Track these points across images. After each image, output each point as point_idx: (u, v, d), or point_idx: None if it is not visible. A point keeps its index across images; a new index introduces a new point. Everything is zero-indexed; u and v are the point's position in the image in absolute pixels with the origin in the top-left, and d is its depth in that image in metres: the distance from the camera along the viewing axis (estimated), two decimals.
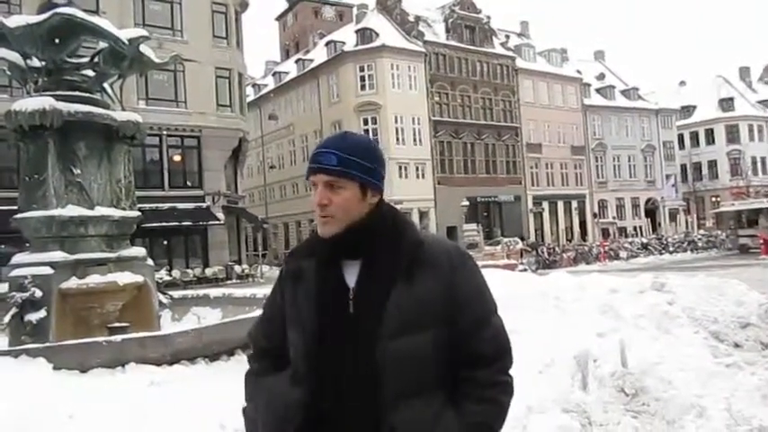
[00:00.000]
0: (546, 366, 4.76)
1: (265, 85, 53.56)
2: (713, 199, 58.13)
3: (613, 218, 52.33)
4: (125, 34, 7.93)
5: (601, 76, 58.71)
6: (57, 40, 7.41)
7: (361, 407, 1.48)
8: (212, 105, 30.26)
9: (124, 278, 7.21)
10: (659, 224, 53.17)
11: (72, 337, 6.30)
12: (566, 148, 51.12)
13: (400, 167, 40.31)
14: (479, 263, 1.74)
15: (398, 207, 1.75)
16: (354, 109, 41.07)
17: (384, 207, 1.63)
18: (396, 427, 1.45)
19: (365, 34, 42.68)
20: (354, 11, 52.16)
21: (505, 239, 36.80)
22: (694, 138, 64.62)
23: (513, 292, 6.56)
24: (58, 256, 6.96)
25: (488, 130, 45.84)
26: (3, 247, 18.39)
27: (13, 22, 7.40)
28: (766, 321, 6.16)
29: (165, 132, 28.70)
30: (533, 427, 3.87)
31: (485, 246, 32.83)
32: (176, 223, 27.73)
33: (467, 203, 38.21)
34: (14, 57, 7.74)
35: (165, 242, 28.52)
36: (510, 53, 48.76)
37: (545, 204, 49.21)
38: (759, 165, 62.33)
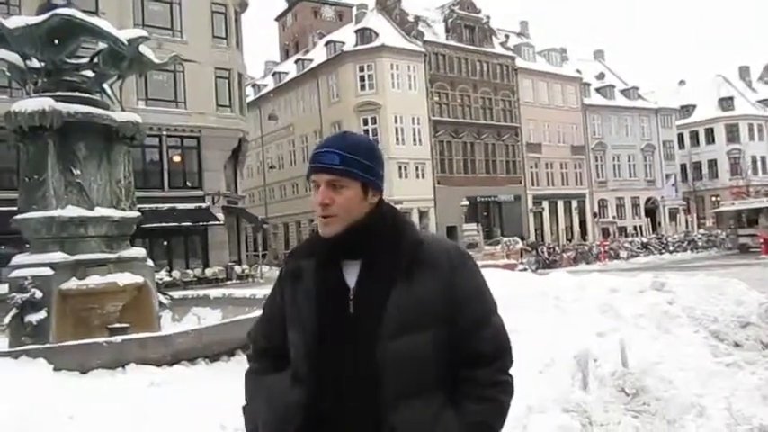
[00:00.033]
0: (546, 366, 4.76)
1: (265, 86, 53.57)
2: (713, 198, 58.15)
3: (613, 217, 52.34)
4: (124, 35, 7.93)
5: (600, 76, 58.71)
6: (56, 41, 7.41)
7: (361, 407, 1.48)
8: (212, 106, 30.26)
9: (124, 279, 7.21)
10: (659, 224, 53.21)
11: (72, 337, 6.30)
12: (565, 147, 51.12)
13: (400, 167, 40.33)
14: (479, 263, 1.74)
15: (398, 207, 1.75)
16: (354, 109, 41.08)
17: (384, 207, 1.63)
18: (396, 427, 1.45)
19: (365, 34, 42.69)
20: (354, 11, 52.17)
21: (505, 239, 36.79)
22: (694, 137, 64.64)
23: (513, 291, 6.56)
24: (57, 256, 6.96)
25: (488, 129, 45.85)
26: (3, 248, 18.38)
27: (13, 22, 7.41)
28: (766, 321, 6.16)
29: (164, 133, 28.70)
30: (533, 427, 3.87)
31: (484, 245, 32.82)
32: (176, 224, 27.72)
33: (466, 203, 38.21)
34: (14, 58, 7.74)
35: (165, 243, 28.52)
36: (510, 53, 48.77)
37: (545, 204, 49.21)
38: (759, 164, 62.35)
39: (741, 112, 63.34)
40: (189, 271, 28.24)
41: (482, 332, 1.56)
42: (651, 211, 55.01)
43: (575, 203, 51.33)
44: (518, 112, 48.22)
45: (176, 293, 10.12)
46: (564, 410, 4.18)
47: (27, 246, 7.50)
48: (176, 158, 30.02)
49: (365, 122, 40.72)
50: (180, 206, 28.32)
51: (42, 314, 6.61)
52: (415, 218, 37.77)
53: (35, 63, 7.74)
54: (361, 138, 1.68)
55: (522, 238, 39.66)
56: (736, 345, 5.74)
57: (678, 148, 60.68)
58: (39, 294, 6.62)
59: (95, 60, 8.07)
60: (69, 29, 7.40)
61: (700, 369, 4.85)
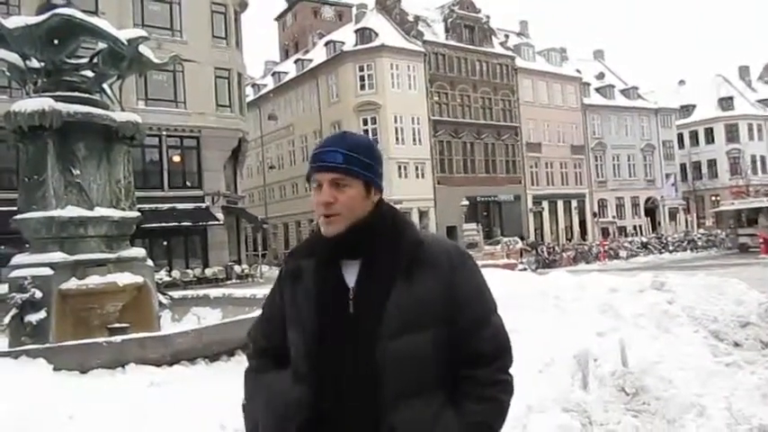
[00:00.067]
0: (546, 366, 4.76)
1: (265, 86, 53.56)
2: (713, 198, 58.17)
3: (613, 217, 52.33)
4: (124, 35, 7.92)
5: (600, 76, 58.71)
6: (56, 41, 7.41)
7: (361, 407, 1.48)
8: (212, 106, 30.26)
9: (124, 279, 7.21)
10: (659, 223, 53.22)
11: (72, 337, 6.30)
12: (565, 147, 51.12)
13: (400, 167, 40.32)
14: (479, 262, 1.74)
15: (398, 207, 1.75)
16: (354, 109, 41.07)
17: (384, 207, 1.63)
18: (395, 426, 1.45)
19: (364, 34, 42.68)
20: (354, 11, 52.15)
21: (505, 239, 36.78)
22: (694, 137, 64.65)
23: (513, 291, 6.56)
24: (57, 256, 6.95)
25: (488, 129, 45.84)
26: (2, 248, 18.37)
27: (12, 22, 7.40)
28: (766, 320, 6.16)
29: (164, 133, 28.69)
30: (533, 427, 3.87)
31: (484, 245, 32.82)
32: (176, 224, 27.71)
33: (466, 203, 38.20)
34: (14, 58, 7.74)
35: (165, 242, 28.52)
36: (509, 53, 48.76)
37: (545, 204, 49.21)
38: (759, 164, 62.39)
39: (741, 112, 63.36)
40: (189, 271, 28.24)
41: (482, 332, 1.56)
42: (651, 211, 55.03)
43: (574, 203, 51.33)
44: (518, 112, 48.22)
45: (176, 293, 10.11)
46: (564, 410, 4.18)
47: (27, 246, 7.49)
48: (176, 158, 30.01)
49: (365, 122, 40.71)
50: (180, 206, 28.31)
51: (42, 314, 6.61)
52: (414, 218, 37.76)
53: (35, 63, 7.73)
54: (361, 137, 1.68)
55: (522, 238, 39.66)
56: (736, 344, 5.74)
57: (678, 148, 60.69)
58: (38, 294, 6.61)
59: (95, 60, 8.07)
60: (69, 29, 7.39)
61: (699, 369, 4.85)
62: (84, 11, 8.05)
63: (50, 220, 7.03)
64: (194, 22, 29.70)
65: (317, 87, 45.06)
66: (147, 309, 7.58)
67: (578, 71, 54.47)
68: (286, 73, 51.47)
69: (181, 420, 3.73)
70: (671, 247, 33.79)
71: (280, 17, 66.38)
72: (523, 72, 49.07)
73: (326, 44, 46.20)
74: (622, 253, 31.56)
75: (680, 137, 62.06)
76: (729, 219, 32.99)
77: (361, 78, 41.45)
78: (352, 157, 1.56)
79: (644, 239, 35.63)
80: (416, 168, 41.59)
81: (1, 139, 12.39)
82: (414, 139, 41.82)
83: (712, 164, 63.31)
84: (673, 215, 52.58)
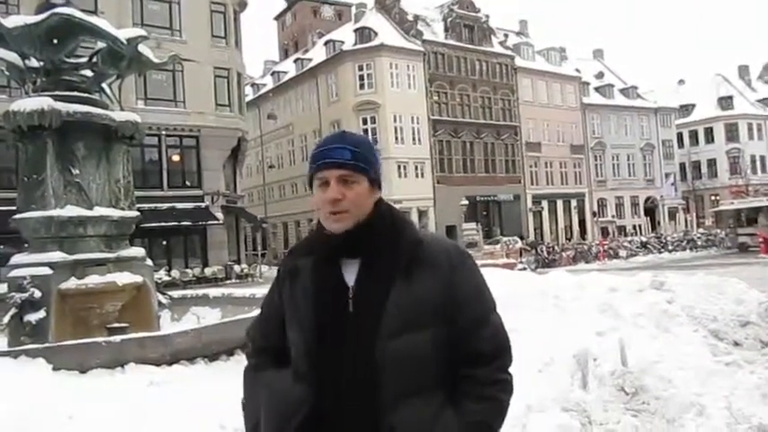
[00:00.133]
0: (545, 365, 4.76)
1: (264, 85, 53.55)
2: (712, 197, 58.18)
3: (612, 217, 52.33)
4: (123, 34, 7.92)
5: (600, 75, 58.70)
6: (55, 41, 7.40)
7: (360, 406, 1.47)
8: (211, 105, 30.24)
9: (123, 278, 7.20)
10: (658, 223, 53.25)
11: (71, 337, 6.29)
12: (565, 146, 51.12)
13: (399, 167, 40.32)
14: (478, 262, 1.74)
15: (397, 206, 1.75)
16: (353, 108, 41.06)
17: (383, 206, 1.63)
18: (395, 426, 1.45)
19: (364, 33, 42.66)
20: (353, 10, 52.14)
21: (505, 238, 36.78)
22: (693, 136, 64.67)
23: (513, 291, 6.57)
24: (56, 256, 6.95)
25: (487, 129, 45.84)
26: (2, 247, 18.36)
27: (12, 22, 7.39)
28: (766, 320, 6.16)
29: (163, 132, 28.68)
30: (533, 426, 3.87)
31: (484, 245, 32.85)
32: (175, 223, 27.69)
33: (466, 202, 38.20)
34: (13, 57, 7.73)
35: (165, 242, 28.51)
36: (509, 52, 48.75)
37: (544, 203, 49.22)
38: (758, 163, 62.43)
39: (740, 112, 63.38)
40: (188, 270, 28.22)
41: (481, 331, 1.56)
42: (650, 211, 55.05)
43: (574, 203, 51.33)
44: (517, 112, 48.22)
45: (175, 293, 10.11)
46: (563, 409, 4.18)
47: (26, 245, 7.49)
48: (175, 158, 29.99)
49: (364, 122, 40.71)
50: (179, 205, 28.30)
51: (41, 314, 6.61)
52: (414, 217, 37.75)
53: (34, 62, 7.73)
54: (360, 136, 1.69)
55: (522, 238, 39.67)
56: (736, 344, 5.74)
57: (677, 148, 60.70)
58: (38, 294, 6.61)
59: (94, 60, 8.06)
60: (68, 28, 7.38)
61: (699, 368, 4.85)
62: (83, 10, 8.04)
63: (50, 219, 7.03)
64: (194, 22, 29.69)
65: (317, 87, 45.05)
66: (146, 308, 7.58)
67: (578, 71, 54.47)
68: (285, 72, 51.46)
69: (180, 420, 3.73)
70: (670, 247, 33.80)
71: (279, 16, 66.37)
72: (523, 71, 49.07)
73: (326, 43, 46.18)
74: (622, 252, 31.56)
75: (679, 136, 62.07)
76: (729, 218, 32.99)
77: (361, 78, 41.44)
78: (359, 154, 1.56)
79: (643, 239, 35.64)
80: (416, 168, 41.58)
81: (0, 139, 12.36)
82: (413, 139, 41.81)
83: (712, 163, 63.34)
84: (672, 215, 52.63)
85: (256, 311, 1.78)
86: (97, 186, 7.57)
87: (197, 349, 5.70)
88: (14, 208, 7.35)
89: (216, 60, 30.35)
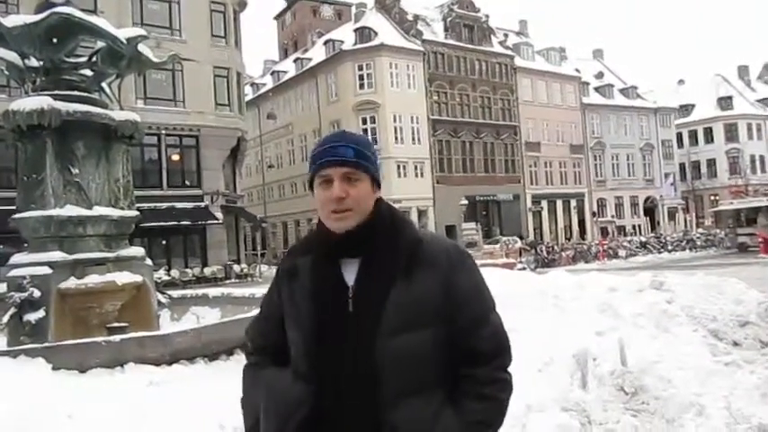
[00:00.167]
0: (545, 365, 4.76)
1: (264, 85, 53.54)
2: (712, 197, 58.19)
3: (612, 216, 52.34)
4: (123, 33, 7.90)
5: (599, 75, 58.72)
6: (54, 40, 7.39)
7: (360, 406, 1.48)
8: (211, 105, 30.23)
9: (123, 278, 7.19)
10: (658, 223, 53.28)
11: (71, 337, 6.28)
12: (564, 146, 51.13)
13: (399, 166, 40.33)
14: (478, 262, 1.74)
15: (397, 206, 1.75)
16: (353, 108, 41.05)
17: (382, 205, 1.63)
18: (396, 425, 1.45)
19: (364, 33, 42.66)
20: (353, 10, 52.15)
21: (504, 238, 36.80)
22: (693, 136, 64.69)
23: (513, 290, 6.57)
24: (56, 255, 6.94)
25: (487, 128, 45.85)
26: (1, 246, 18.35)
27: (11, 21, 7.38)
28: (765, 320, 6.17)
29: (163, 132, 28.67)
30: (533, 426, 3.87)
31: (483, 244, 32.85)
32: (175, 223, 27.69)
33: (465, 202, 38.20)
34: (12, 56, 7.72)
35: (164, 242, 28.50)
36: (509, 52, 48.76)
37: (544, 203, 49.23)
38: (758, 163, 62.46)
39: (740, 112, 63.41)
40: (188, 270, 28.22)
41: (481, 331, 1.56)
42: (650, 211, 55.07)
43: (573, 202, 51.34)
44: (517, 111, 48.22)
45: (175, 292, 10.09)
46: (563, 409, 4.18)
47: (25, 245, 7.48)
48: (175, 157, 29.99)
49: (364, 121, 40.70)
50: (179, 205, 28.30)
51: (41, 313, 6.60)
52: (413, 217, 37.73)
53: (33, 62, 7.71)
54: (360, 135, 1.70)
55: (521, 237, 39.67)
56: (735, 344, 5.75)
57: (677, 148, 60.72)
58: (37, 293, 6.60)
59: (94, 59, 8.05)
60: (68, 27, 7.37)
61: (699, 368, 4.85)
62: (82, 9, 8.02)
63: (49, 219, 7.02)
64: (193, 21, 29.68)
65: (317, 86, 45.05)
66: (145, 308, 7.57)
67: (577, 70, 54.48)
68: (285, 72, 51.46)
69: (180, 420, 3.72)
70: (670, 247, 33.81)
71: (279, 16, 66.37)
72: (522, 71, 49.07)
73: (326, 43, 46.18)
74: (621, 252, 31.58)
75: (679, 136, 62.09)
76: (728, 218, 32.99)
77: (361, 77, 41.44)
78: (361, 152, 1.57)
79: (643, 239, 35.66)
80: (415, 168, 41.58)
81: (0, 138, 12.35)
82: (413, 139, 41.81)
83: (711, 163, 63.37)
84: (672, 215, 52.67)
85: (256, 311, 1.78)
86: (97, 186, 7.56)
87: (196, 349, 5.69)
88: (14, 207, 7.35)
89: (215, 60, 30.35)
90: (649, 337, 5.51)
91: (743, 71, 69.52)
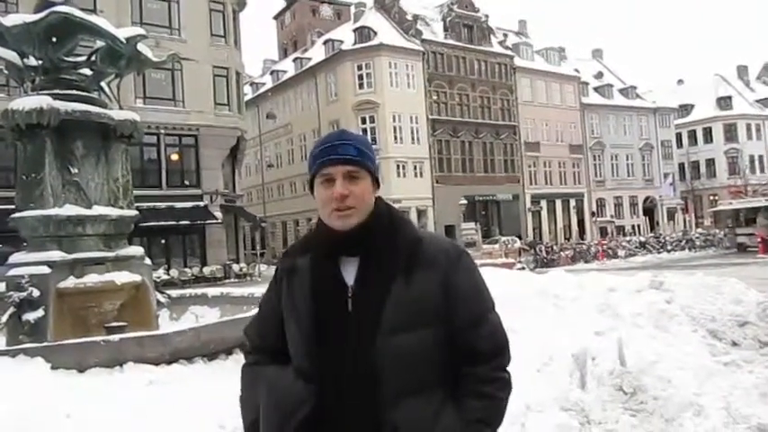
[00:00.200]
0: (544, 365, 4.76)
1: (263, 84, 53.52)
2: (711, 197, 58.22)
3: (611, 216, 52.33)
4: (122, 33, 7.90)
5: (599, 75, 58.71)
6: (54, 39, 7.38)
7: (361, 405, 1.48)
8: (210, 104, 30.21)
9: (122, 277, 7.19)
10: (657, 223, 53.25)
11: (70, 336, 6.28)
12: (564, 146, 51.13)
13: (398, 166, 40.32)
14: (477, 261, 1.74)
15: (396, 206, 1.75)
16: (352, 108, 41.04)
17: (381, 204, 1.64)
18: (397, 424, 1.45)
19: (363, 33, 42.64)
20: (352, 9, 52.10)
21: (503, 238, 36.84)
22: (692, 136, 64.71)
23: (512, 290, 6.56)
24: (55, 255, 6.93)
25: (486, 128, 45.84)
26: (0, 246, 18.34)
27: (10, 20, 7.37)
28: (764, 320, 6.17)
29: (162, 131, 28.65)
30: (532, 426, 3.87)
31: (483, 244, 32.86)
32: (174, 222, 27.67)
33: (465, 202, 38.21)
34: (11, 55, 7.71)
35: (163, 241, 28.47)
36: (508, 52, 48.75)
37: (543, 203, 49.24)
38: (757, 163, 62.47)
39: (739, 112, 63.44)
40: (187, 269, 28.20)
41: (480, 330, 1.56)
42: (649, 211, 55.07)
43: (573, 202, 51.33)
44: (516, 111, 48.22)
45: (174, 292, 10.08)
46: (562, 409, 4.18)
47: (24, 244, 7.48)
48: (174, 157, 29.96)
49: (363, 121, 40.69)
50: (178, 205, 28.28)
51: (40, 313, 6.59)
52: (413, 217, 37.74)
53: (33, 61, 7.71)
54: (359, 134, 1.70)
55: (520, 237, 39.67)
56: (734, 344, 5.75)
57: (676, 148, 60.74)
58: (36, 293, 6.59)
59: (93, 58, 8.04)
60: (67, 27, 7.37)
61: (698, 368, 4.85)
62: (82, 9, 8.01)
63: (48, 218, 7.02)
64: (193, 21, 29.66)
65: (316, 86, 45.03)
66: (145, 307, 7.56)
67: (577, 71, 54.47)
68: (284, 72, 51.44)
69: (179, 419, 3.72)
70: (669, 247, 33.81)
71: (278, 16, 66.35)
72: (522, 71, 49.06)
73: (325, 43, 46.16)
74: (621, 252, 31.58)
75: (678, 136, 62.11)
76: (727, 218, 32.99)
77: (360, 77, 41.42)
78: (363, 151, 1.57)
79: (642, 239, 35.65)
80: (415, 167, 41.57)
81: None
82: (412, 138, 41.80)
83: (710, 163, 63.39)
84: (671, 215, 52.63)
85: (255, 310, 1.78)
86: (96, 185, 7.56)
87: (196, 348, 5.69)
88: (13, 207, 7.34)
89: (215, 59, 30.32)
90: (648, 337, 5.51)
91: (742, 71, 69.55)
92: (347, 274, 1.56)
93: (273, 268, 1.75)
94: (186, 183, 29.82)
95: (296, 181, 44.90)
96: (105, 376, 4.99)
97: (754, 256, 26.31)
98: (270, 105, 47.59)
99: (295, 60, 50.41)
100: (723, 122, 63.19)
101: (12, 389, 4.21)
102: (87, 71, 8.05)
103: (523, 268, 23.32)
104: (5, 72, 8.28)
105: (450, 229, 38.28)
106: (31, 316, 6.54)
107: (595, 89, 55.84)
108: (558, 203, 50.48)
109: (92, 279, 7.00)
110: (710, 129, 64.00)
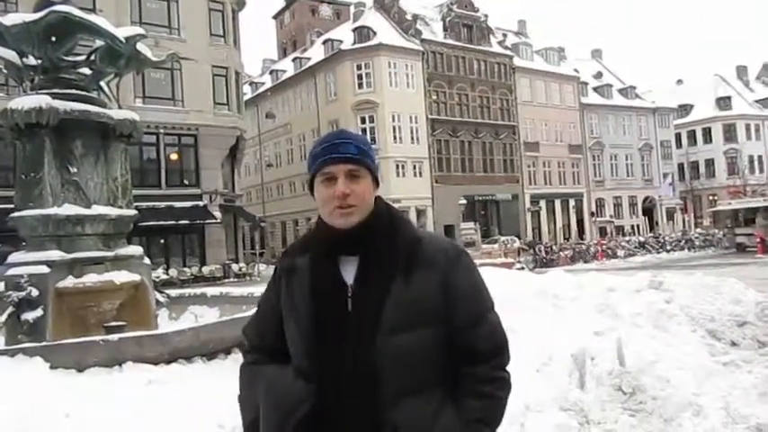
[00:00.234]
0: (543, 365, 4.76)
1: (262, 84, 53.51)
2: (710, 198, 58.24)
3: (611, 216, 52.36)
4: (122, 32, 7.90)
5: (598, 75, 58.72)
6: (53, 38, 7.38)
7: (361, 405, 1.48)
8: (209, 104, 30.18)
9: (121, 277, 7.19)
10: (656, 223, 53.27)
11: (69, 336, 6.27)
12: (563, 146, 51.14)
13: (398, 166, 40.32)
14: (476, 261, 1.74)
15: (396, 206, 1.76)
16: (352, 107, 41.04)
17: (381, 203, 1.64)
18: (396, 424, 1.45)
19: (362, 33, 42.64)
20: (352, 9, 52.12)
21: (503, 238, 36.86)
22: (691, 136, 64.75)
23: (511, 290, 6.56)
24: (54, 254, 6.93)
25: (486, 128, 45.84)
26: None
27: (10, 19, 7.37)
28: (763, 320, 6.17)
29: (161, 131, 28.63)
30: (531, 425, 3.88)
31: (482, 244, 32.86)
32: (173, 222, 27.65)
33: (464, 202, 38.22)
34: (11, 55, 7.71)
35: (162, 241, 28.45)
36: (507, 52, 48.75)
37: (542, 203, 49.25)
38: (756, 163, 62.50)
39: (738, 112, 63.47)
40: (186, 269, 28.19)
41: (479, 329, 1.56)
42: (648, 211, 55.08)
43: (572, 202, 51.35)
44: (516, 111, 48.23)
45: (173, 292, 10.08)
46: (561, 409, 4.18)
47: (23, 243, 7.47)
48: (173, 156, 29.94)
49: (363, 121, 40.68)
50: (177, 204, 28.26)
51: (39, 312, 6.59)
52: (412, 216, 37.75)
53: (32, 60, 7.71)
54: (357, 134, 1.70)
55: (520, 237, 39.67)
56: (734, 344, 5.75)
57: (676, 148, 60.76)
58: (35, 292, 6.59)
59: (93, 58, 8.04)
60: (66, 26, 7.37)
61: (697, 368, 4.85)
62: (81, 8, 8.01)
63: (47, 217, 7.01)
64: (192, 20, 29.64)
65: (315, 86, 45.03)
66: (144, 307, 7.56)
67: (576, 71, 54.48)
68: (284, 71, 51.42)
69: (178, 419, 3.72)
70: (668, 247, 33.83)
71: (277, 15, 66.32)
72: (521, 71, 49.07)
73: (324, 42, 46.16)
74: (620, 252, 31.60)
75: (678, 136, 62.13)
76: (727, 218, 33.01)
77: (359, 77, 41.41)
78: (363, 149, 1.58)
79: (641, 239, 35.68)
80: (414, 167, 41.57)
81: None
82: (411, 138, 41.79)
83: (710, 163, 63.42)
84: (670, 215, 52.64)
85: (254, 310, 1.78)
86: (95, 185, 7.56)
87: (195, 348, 5.69)
88: (12, 206, 7.34)
89: (214, 59, 30.30)
90: (648, 337, 5.51)
91: (741, 71, 69.58)
92: (346, 274, 1.56)
93: (272, 268, 1.75)
94: (185, 182, 29.80)
95: (295, 181, 44.89)
96: (104, 376, 4.99)
97: (753, 256, 26.34)
98: (269, 105, 47.58)
99: (294, 60, 50.41)
100: (722, 123, 63.22)
101: (11, 388, 4.20)
102: (86, 70, 8.05)
103: (522, 268, 23.33)
104: (5, 71, 8.28)
105: (449, 229, 38.27)
106: (29, 315, 6.54)
107: (595, 89, 55.85)
108: (558, 203, 50.49)
109: (91, 279, 7.00)
110: (710, 129, 64.04)
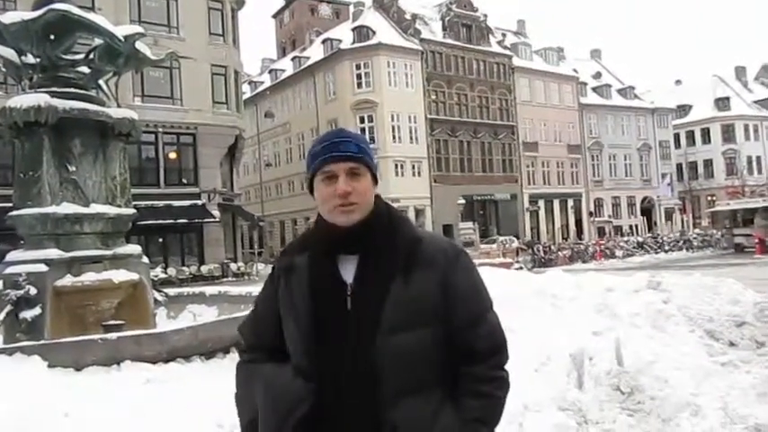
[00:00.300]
0: (542, 365, 4.76)
1: (261, 83, 53.49)
2: (709, 198, 58.27)
3: (609, 216, 52.41)
4: (121, 31, 7.89)
5: (597, 75, 58.74)
6: (52, 37, 7.37)
7: (360, 404, 1.47)
8: (208, 103, 30.18)
9: (119, 276, 7.18)
10: (655, 223, 53.29)
11: (67, 334, 6.27)
12: (562, 146, 51.15)
13: (396, 165, 40.31)
14: (475, 261, 1.74)
15: (395, 205, 1.75)
16: (351, 107, 41.03)
17: (380, 202, 1.64)
18: (396, 423, 1.45)
19: (362, 32, 42.63)
20: (351, 8, 52.14)
21: (501, 238, 36.85)
22: (690, 137, 64.80)
23: (510, 290, 6.57)
24: (53, 253, 6.93)
25: (485, 128, 45.84)
26: None
27: (9, 18, 7.36)
28: (761, 320, 6.18)
29: (160, 129, 28.62)
30: (529, 425, 3.88)
31: (481, 244, 32.86)
32: (172, 221, 27.65)
33: (463, 202, 38.22)
34: (9, 53, 7.70)
35: (161, 240, 28.47)
36: (506, 51, 48.75)
37: (541, 203, 49.27)
38: (754, 164, 62.56)
39: (737, 113, 63.53)
40: (184, 268, 28.19)
41: (478, 329, 1.56)
42: (647, 211, 55.11)
43: (571, 202, 51.38)
44: (515, 111, 48.23)
45: (172, 291, 10.08)
46: (559, 409, 4.18)
47: (22, 242, 7.47)
48: (172, 155, 29.93)
49: (362, 120, 40.67)
50: (176, 203, 28.26)
51: (37, 311, 6.59)
52: (411, 216, 37.69)
53: (31, 59, 7.70)
54: (356, 133, 1.70)
55: (518, 237, 39.68)
56: (732, 344, 5.76)
57: (674, 148, 60.81)
58: (33, 291, 6.59)
59: (91, 56, 8.03)
60: (65, 24, 7.36)
61: (695, 368, 4.86)
62: (80, 6, 8.00)
63: (46, 216, 7.01)
64: (191, 19, 29.63)
65: (314, 85, 45.01)
66: (142, 306, 7.56)
67: (575, 71, 54.50)
68: (283, 70, 51.40)
69: (177, 418, 3.72)
70: (667, 247, 33.87)
71: (277, 14, 66.28)
72: (520, 71, 49.07)
73: (323, 42, 46.14)
74: (618, 252, 31.62)
75: (676, 137, 62.17)
76: (725, 219, 33.05)
77: (358, 76, 41.41)
78: (363, 148, 1.58)
79: (640, 239, 35.71)
80: (413, 167, 41.57)
81: None
82: (410, 138, 41.79)
83: (708, 164, 63.48)
84: (669, 215, 52.67)
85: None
86: (93, 183, 7.55)
87: (193, 347, 5.69)
88: (11, 205, 7.33)
89: (213, 58, 30.30)
90: (646, 337, 5.52)
91: (740, 72, 69.64)
92: (346, 273, 1.55)
93: (271, 267, 1.75)
94: (184, 181, 29.80)
95: (294, 180, 44.87)
96: (103, 375, 4.99)
97: (752, 256, 26.38)
98: (268, 104, 47.55)
99: (293, 59, 50.39)
100: (721, 123, 63.28)
101: (9, 387, 4.20)
102: (85, 69, 8.04)
103: (521, 268, 23.34)
104: (3, 69, 8.27)
105: (447, 229, 38.28)
106: (28, 314, 6.54)
107: (594, 89, 55.87)
108: (556, 203, 50.51)
109: (89, 277, 6.99)
110: (708, 129, 64.10)
